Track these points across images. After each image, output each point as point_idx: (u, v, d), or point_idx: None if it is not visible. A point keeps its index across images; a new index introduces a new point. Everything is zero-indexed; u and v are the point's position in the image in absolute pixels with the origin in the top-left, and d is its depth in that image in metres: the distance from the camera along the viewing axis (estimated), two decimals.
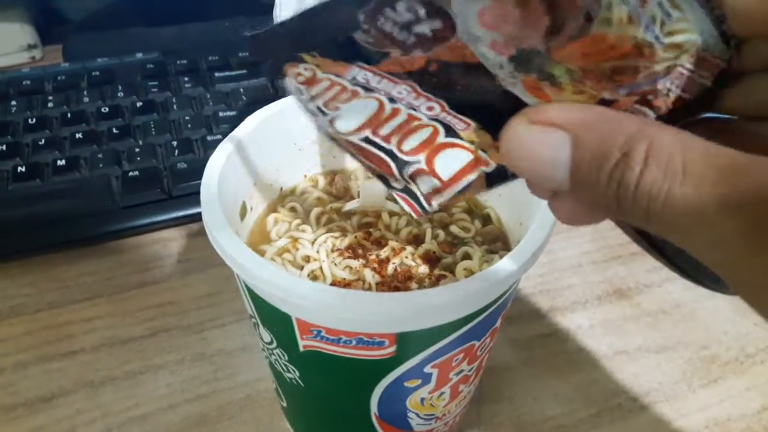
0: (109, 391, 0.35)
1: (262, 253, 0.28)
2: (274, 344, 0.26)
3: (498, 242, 0.29)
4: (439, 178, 0.19)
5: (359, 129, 0.20)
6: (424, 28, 0.17)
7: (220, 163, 0.26)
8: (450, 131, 0.19)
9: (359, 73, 0.20)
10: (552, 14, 0.15)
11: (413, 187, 0.20)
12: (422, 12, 0.16)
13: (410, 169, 0.20)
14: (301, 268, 0.27)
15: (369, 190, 0.29)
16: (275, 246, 0.28)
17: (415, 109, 0.20)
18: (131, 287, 0.41)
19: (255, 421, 0.34)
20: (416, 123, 0.20)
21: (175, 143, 0.46)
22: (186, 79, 0.52)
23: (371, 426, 0.28)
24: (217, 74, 0.53)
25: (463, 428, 0.34)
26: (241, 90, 0.51)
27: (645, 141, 0.14)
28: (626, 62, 0.16)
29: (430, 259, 0.28)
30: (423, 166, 0.19)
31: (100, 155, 0.45)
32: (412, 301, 0.21)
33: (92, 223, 0.42)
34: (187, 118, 0.48)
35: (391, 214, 0.30)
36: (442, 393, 0.27)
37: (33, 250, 0.42)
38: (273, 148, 0.29)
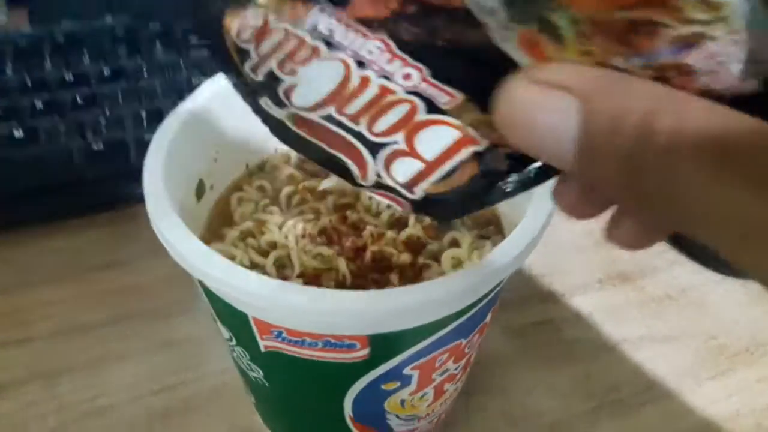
0: (65, 381, 0.32)
1: (222, 238, 0.25)
2: (234, 342, 0.23)
3: (490, 226, 0.26)
4: (422, 159, 0.16)
5: (322, 104, 0.17)
6: None
7: (168, 136, 0.22)
8: (432, 106, 0.16)
9: (321, 19, 0.16)
10: None
11: (387, 179, 0.16)
12: None
13: (385, 152, 0.16)
14: (267, 255, 0.24)
15: None
16: (237, 229, 0.25)
17: (388, 78, 0.16)
18: (95, 268, 0.38)
19: (225, 414, 0.31)
20: (390, 98, 0.16)
21: (144, 113, 0.43)
22: (158, 44, 0.48)
23: (346, 427, 0.25)
24: (191, 40, 0.49)
25: (450, 423, 0.31)
26: None
27: (672, 111, 0.11)
28: (645, 13, 0.12)
29: (414, 246, 0.25)
30: (402, 146, 0.16)
31: (62, 127, 0.42)
32: (386, 300, 0.18)
33: (53, 199, 0.39)
34: (157, 86, 0.45)
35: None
36: (425, 394, 0.24)
37: None
38: (236, 119, 0.26)
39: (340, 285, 0.23)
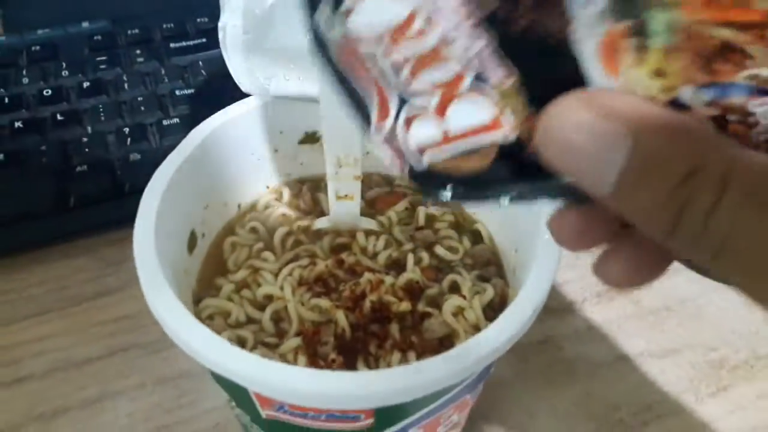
0: (62, 423, 0.32)
1: (218, 289, 0.24)
2: (234, 404, 0.22)
3: (491, 266, 0.26)
4: (445, 130, 0.15)
5: (372, 38, 0.15)
6: None
7: (158, 190, 0.21)
8: (480, 79, 0.15)
9: None
10: None
11: (400, 135, 0.15)
12: None
13: (413, 109, 0.15)
14: (263, 308, 0.23)
15: (340, 210, 0.25)
16: (233, 283, 0.24)
17: (449, 42, 0.15)
18: (84, 299, 0.37)
19: None
20: (442, 56, 0.15)
21: (127, 130, 0.41)
22: (138, 51, 0.47)
23: None
24: (172, 45, 0.47)
25: None
26: (200, 63, 0.46)
27: (726, 159, 0.12)
28: (743, 38, 0.12)
29: (413, 291, 0.24)
30: (432, 109, 0.15)
31: (43, 147, 0.40)
32: (389, 382, 0.17)
33: (36, 225, 0.38)
34: (140, 98, 0.43)
35: (368, 233, 0.26)
36: None
37: None
38: (227, 162, 0.25)
39: (339, 338, 0.23)
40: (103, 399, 0.33)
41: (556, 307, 0.37)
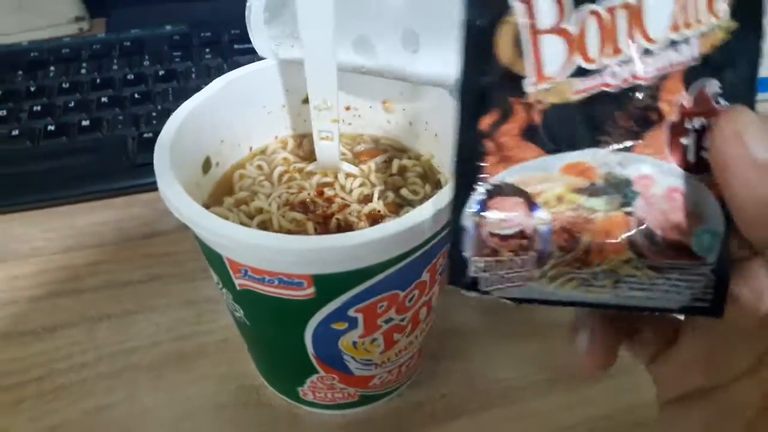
0: (104, 326, 0.39)
1: (221, 204, 0.31)
2: (220, 284, 0.28)
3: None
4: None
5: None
6: None
7: (179, 118, 0.28)
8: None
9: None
10: None
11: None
12: None
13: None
14: (253, 218, 0.30)
15: (323, 150, 0.31)
16: (233, 198, 0.31)
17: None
18: (136, 238, 0.45)
19: (227, 361, 0.37)
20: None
21: None
22: (207, 50, 0.56)
23: (311, 365, 0.30)
24: (236, 46, 0.56)
25: (417, 380, 0.36)
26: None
27: None
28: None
29: (374, 218, 0.30)
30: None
31: (120, 117, 0.49)
32: (322, 242, 0.23)
33: (108, 178, 0.47)
34: (203, 86, 0.52)
35: (348, 175, 0.32)
36: (374, 339, 0.29)
37: (56, 200, 0.46)
38: (241, 110, 0.32)
39: None
40: (139, 312, 0.40)
41: None
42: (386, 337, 0.29)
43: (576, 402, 0.35)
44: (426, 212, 0.24)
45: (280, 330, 0.29)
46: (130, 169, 0.47)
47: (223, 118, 0.31)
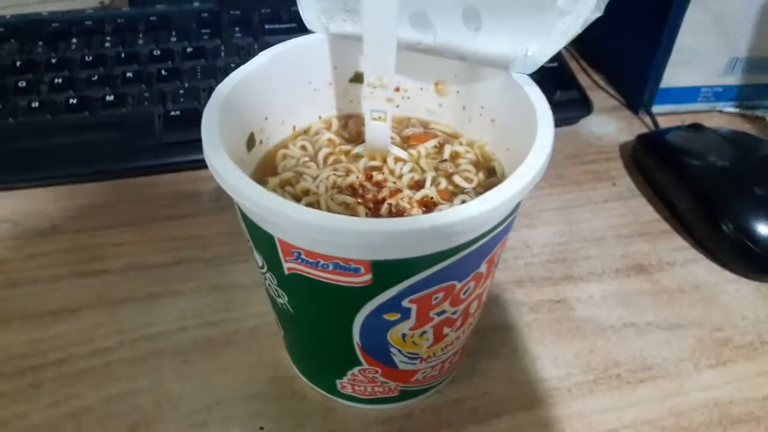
0: (128, 309, 0.37)
1: (265, 184, 0.29)
2: (265, 268, 0.27)
3: None
4: None
5: None
6: None
7: (225, 90, 0.27)
8: None
9: None
10: None
11: None
12: None
13: None
14: (300, 200, 0.28)
15: (374, 131, 0.30)
16: (279, 177, 0.29)
17: None
18: (161, 219, 0.43)
19: (258, 350, 0.35)
20: None
21: None
22: (237, 29, 0.54)
23: (356, 357, 0.28)
24: (267, 26, 0.54)
25: (456, 378, 0.34)
26: None
27: None
28: None
29: (426, 205, 0.28)
30: None
31: (146, 94, 0.47)
32: (386, 226, 0.21)
33: (132, 156, 0.45)
34: (232, 65, 0.50)
35: (397, 159, 0.31)
36: (424, 332, 0.27)
37: (77, 177, 0.44)
38: (286, 85, 0.30)
39: None
40: (164, 296, 0.38)
41: (574, 275, 0.40)
42: (436, 330, 0.28)
43: (620, 405, 0.33)
44: (503, 196, 0.22)
45: (327, 318, 0.27)
46: (155, 147, 0.45)
47: (268, 94, 0.30)
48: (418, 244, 0.22)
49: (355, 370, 0.30)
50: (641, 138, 0.48)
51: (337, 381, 0.31)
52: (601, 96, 0.56)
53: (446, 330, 0.28)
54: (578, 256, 0.41)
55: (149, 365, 0.35)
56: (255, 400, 0.33)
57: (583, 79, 0.57)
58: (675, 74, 0.50)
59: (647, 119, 0.53)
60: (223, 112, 0.26)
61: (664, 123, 0.51)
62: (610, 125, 0.53)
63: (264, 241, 0.25)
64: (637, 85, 0.52)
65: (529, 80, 0.28)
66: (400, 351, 0.28)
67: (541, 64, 0.27)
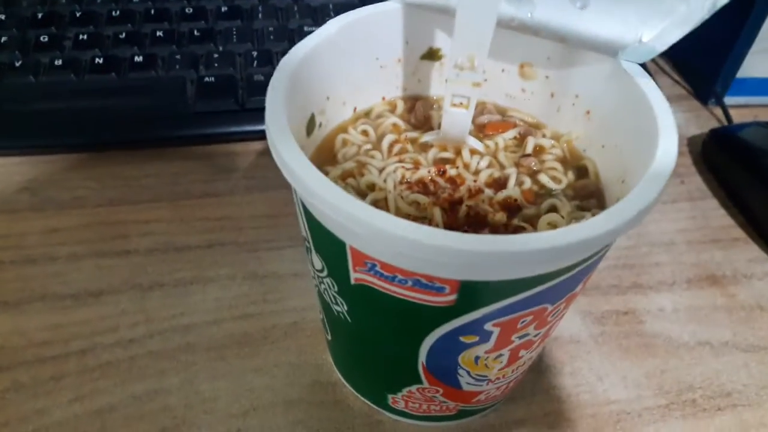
0: (156, 296, 0.34)
1: (325, 174, 0.25)
2: (325, 272, 0.23)
3: (592, 199, 0.26)
4: None
5: None
6: None
7: (292, 65, 0.23)
8: None
9: None
10: None
11: None
12: None
13: None
14: (365, 196, 0.25)
15: (452, 118, 0.26)
16: (340, 168, 0.25)
17: None
18: (193, 196, 0.39)
19: (298, 349, 0.32)
20: None
21: (255, 53, 0.44)
22: None
23: (417, 376, 0.25)
24: None
25: (516, 396, 0.31)
26: (330, 6, 0.48)
27: None
28: None
29: (510, 208, 0.25)
30: None
31: (178, 56, 0.44)
32: (483, 244, 0.17)
33: (162, 124, 0.41)
34: (270, 29, 0.46)
35: (473, 152, 0.27)
36: (500, 355, 0.24)
37: (101, 145, 0.41)
38: (352, 61, 0.27)
39: None
40: (195, 282, 0.35)
41: (643, 283, 0.36)
42: (512, 353, 0.24)
43: None
44: (627, 214, 0.19)
45: (392, 336, 0.24)
46: (187, 116, 0.41)
47: (333, 70, 0.26)
48: (524, 266, 0.19)
49: (413, 387, 0.26)
50: (714, 133, 0.44)
51: (390, 395, 0.28)
52: (666, 82, 0.52)
53: (522, 353, 0.25)
54: (647, 262, 0.38)
55: (180, 361, 0.31)
56: (295, 406, 0.30)
57: (646, 62, 0.52)
58: (754, 63, 0.46)
59: (718, 111, 0.49)
60: (289, 92, 0.22)
61: (736, 116, 0.47)
62: (676, 116, 0.49)
63: (331, 246, 0.21)
64: (709, 73, 0.48)
65: (642, 71, 0.24)
66: (468, 373, 0.25)
67: (657, 53, 0.24)
